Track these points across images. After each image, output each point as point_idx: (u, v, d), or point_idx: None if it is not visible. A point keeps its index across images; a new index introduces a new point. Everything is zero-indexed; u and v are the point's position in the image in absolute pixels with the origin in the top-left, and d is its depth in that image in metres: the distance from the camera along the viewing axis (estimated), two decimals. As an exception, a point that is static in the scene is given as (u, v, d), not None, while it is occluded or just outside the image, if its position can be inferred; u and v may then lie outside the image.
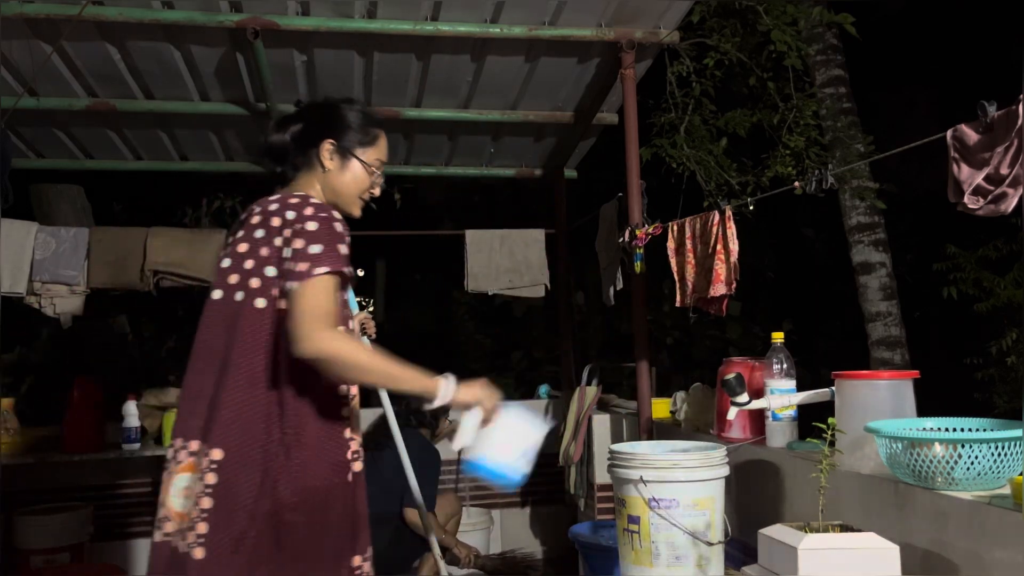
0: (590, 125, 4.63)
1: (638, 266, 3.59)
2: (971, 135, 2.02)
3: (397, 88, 4.24)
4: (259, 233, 1.90)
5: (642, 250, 3.56)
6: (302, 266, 1.79)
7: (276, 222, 1.89)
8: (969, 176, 2.00)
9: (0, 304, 3.87)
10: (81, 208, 5.85)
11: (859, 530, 1.92)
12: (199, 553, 1.75)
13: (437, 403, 1.87)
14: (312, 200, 1.92)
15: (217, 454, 1.79)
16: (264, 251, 1.88)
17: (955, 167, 2.05)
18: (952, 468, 1.84)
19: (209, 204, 6.75)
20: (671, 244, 3.40)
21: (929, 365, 3.52)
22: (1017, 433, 1.84)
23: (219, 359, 1.86)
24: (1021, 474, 1.74)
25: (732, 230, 3.05)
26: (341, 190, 2.05)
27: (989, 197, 1.96)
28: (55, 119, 4.44)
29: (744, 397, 2.71)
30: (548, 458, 4.70)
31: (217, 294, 1.92)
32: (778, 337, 2.83)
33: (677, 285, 3.36)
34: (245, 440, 1.80)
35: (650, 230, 3.49)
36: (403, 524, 3.73)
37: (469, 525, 4.45)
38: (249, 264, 1.89)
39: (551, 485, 4.86)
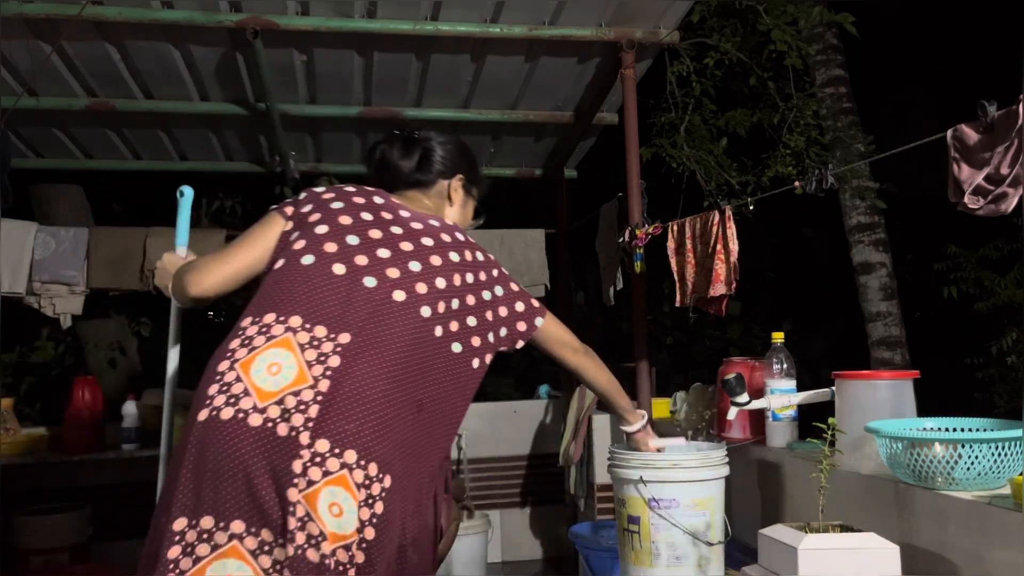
0: (590, 125, 4.62)
1: (638, 266, 3.58)
2: (971, 135, 2.02)
3: (397, 88, 4.24)
4: (454, 256, 1.89)
5: (642, 250, 3.55)
6: (532, 304, 2.01)
7: (475, 256, 1.94)
8: (969, 176, 2.00)
9: (0, 304, 3.88)
10: (81, 208, 5.84)
11: (859, 530, 1.91)
12: None
13: (633, 428, 2.37)
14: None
15: (388, 481, 1.64)
16: (471, 299, 1.86)
17: (955, 167, 2.05)
18: (952, 468, 1.84)
19: (209, 204, 6.74)
20: (671, 244, 3.39)
21: (929, 365, 3.51)
22: (1017, 433, 1.83)
23: (406, 385, 1.70)
24: (1021, 474, 1.74)
25: (732, 230, 3.05)
26: None
27: (989, 197, 1.96)
28: (55, 119, 4.43)
29: (744, 397, 2.70)
30: (548, 458, 4.72)
31: (411, 307, 1.78)
32: (778, 337, 2.82)
33: (677, 285, 3.36)
34: (409, 469, 1.70)
35: (650, 230, 3.49)
36: None
37: (467, 528, 4.42)
38: (455, 303, 1.83)
39: (551, 485, 4.86)
